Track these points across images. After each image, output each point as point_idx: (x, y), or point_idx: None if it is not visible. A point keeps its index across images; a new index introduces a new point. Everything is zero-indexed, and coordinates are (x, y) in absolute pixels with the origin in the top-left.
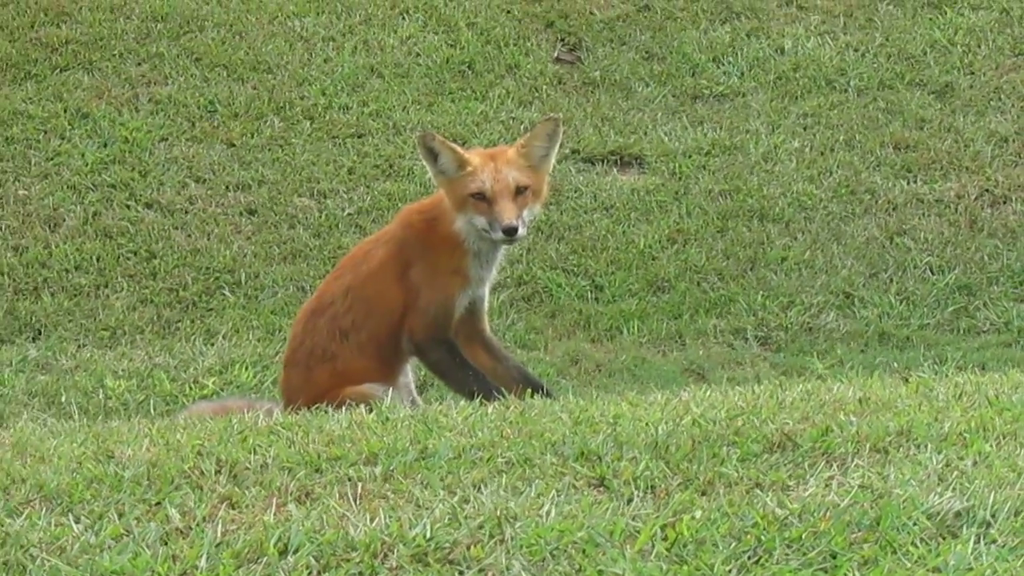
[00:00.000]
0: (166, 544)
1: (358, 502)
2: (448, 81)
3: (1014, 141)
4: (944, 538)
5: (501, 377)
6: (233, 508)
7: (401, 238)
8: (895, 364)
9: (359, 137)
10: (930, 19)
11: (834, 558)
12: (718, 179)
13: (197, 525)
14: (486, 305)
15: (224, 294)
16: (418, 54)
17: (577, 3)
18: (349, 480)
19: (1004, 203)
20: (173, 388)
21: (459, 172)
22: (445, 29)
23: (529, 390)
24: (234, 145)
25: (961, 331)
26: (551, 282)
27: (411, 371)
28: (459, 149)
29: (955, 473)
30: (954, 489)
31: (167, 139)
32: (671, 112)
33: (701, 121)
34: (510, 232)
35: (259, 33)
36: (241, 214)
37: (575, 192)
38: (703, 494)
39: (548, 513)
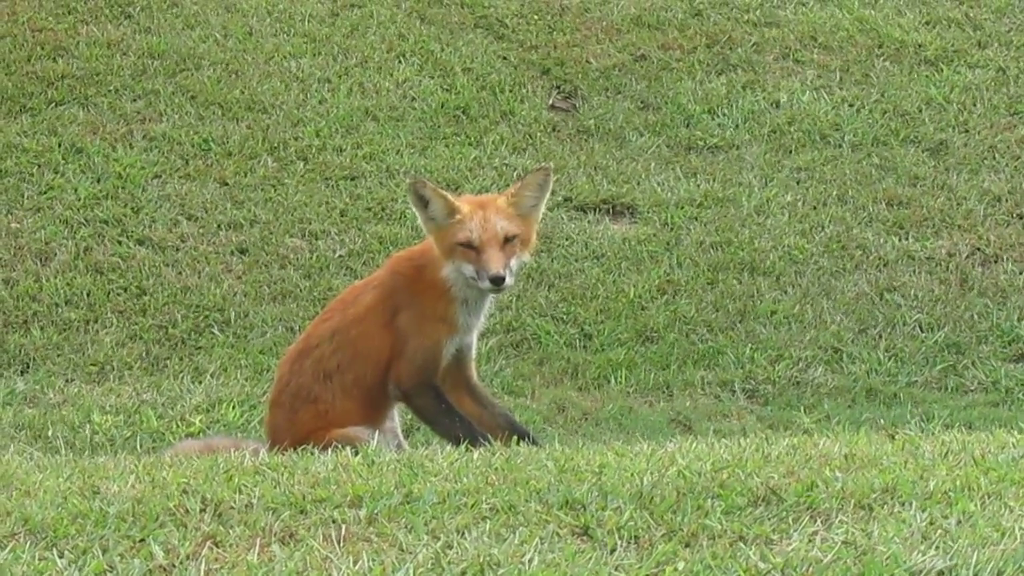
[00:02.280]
0: None
1: (342, 544)
2: (442, 126)
3: (1007, 200)
4: None
5: (487, 424)
6: (217, 547)
7: (390, 284)
8: (882, 421)
9: (352, 179)
10: (926, 76)
11: None
12: (710, 231)
13: (180, 563)
14: (474, 352)
15: (213, 332)
16: (413, 98)
17: (573, 51)
18: (333, 522)
19: (995, 262)
20: (160, 425)
21: (448, 220)
22: (441, 74)
23: (515, 437)
24: (227, 184)
25: (949, 389)
26: (540, 329)
27: (397, 415)
28: (449, 196)
29: (939, 531)
30: (937, 547)
31: (160, 176)
32: (664, 162)
33: (694, 172)
34: (497, 282)
35: (255, 73)
36: (232, 253)
37: (566, 240)
38: (687, 546)
39: (531, 561)
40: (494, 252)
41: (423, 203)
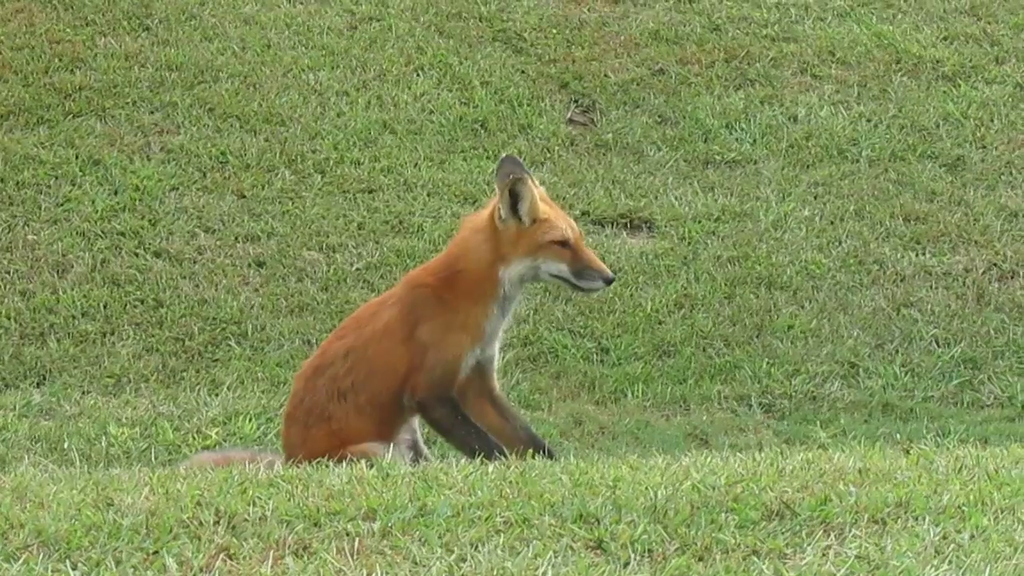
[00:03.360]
0: None
1: (355, 557)
2: (460, 139)
3: None
4: None
5: (508, 437)
6: (231, 559)
7: (409, 299)
8: (898, 435)
9: (370, 192)
10: (944, 92)
11: None
12: (727, 245)
13: (194, 575)
14: (496, 364)
15: (230, 345)
16: (431, 111)
17: (592, 65)
18: (347, 535)
19: (1012, 278)
20: (176, 438)
21: (532, 219)
22: (459, 87)
23: (531, 451)
24: (244, 196)
25: (965, 404)
26: (557, 343)
27: (418, 426)
28: (539, 199)
29: (952, 546)
30: (950, 562)
31: (178, 188)
32: (682, 177)
33: (712, 187)
34: (611, 281)
35: (273, 85)
36: (249, 265)
37: None
38: (700, 560)
39: (545, 574)
40: (591, 252)
41: (516, 200)
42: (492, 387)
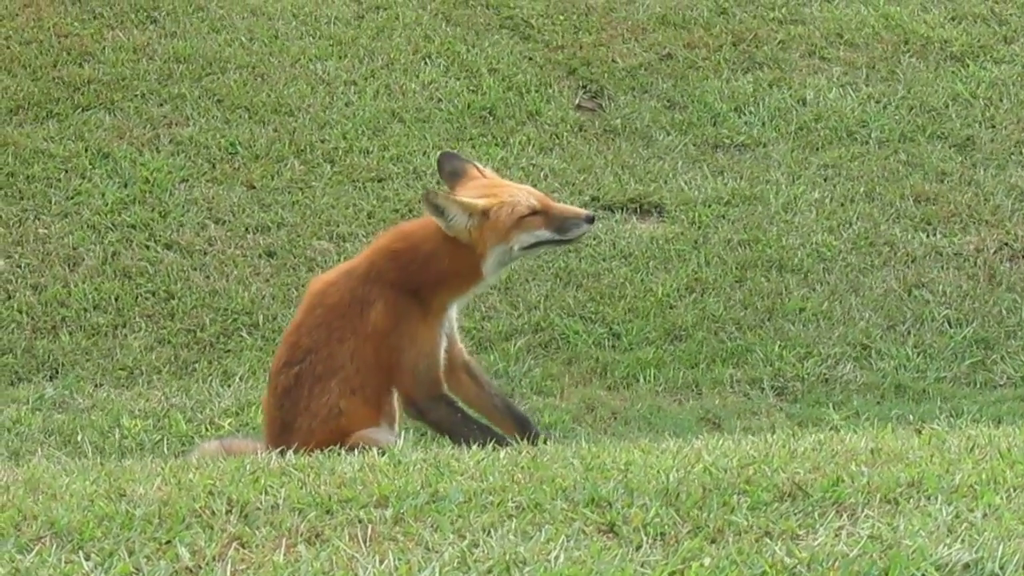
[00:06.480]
0: None
1: (368, 544)
2: (469, 127)
3: None
4: None
5: (485, 406)
6: (243, 548)
7: (392, 300)
8: (911, 417)
9: (379, 181)
10: (952, 72)
11: None
12: (737, 229)
13: (207, 564)
14: (456, 326)
15: (242, 336)
16: (439, 99)
17: (599, 51)
18: (359, 522)
19: (1023, 257)
20: (189, 429)
21: (479, 215)
22: (467, 75)
23: (511, 422)
24: (254, 187)
25: (978, 385)
26: (568, 329)
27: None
28: (464, 199)
29: (964, 525)
30: (963, 541)
31: (187, 180)
32: (691, 161)
33: (721, 170)
34: (593, 219)
35: (281, 76)
36: (260, 256)
37: (594, 240)
38: (712, 542)
39: (557, 559)
40: (560, 204)
41: (442, 212)
42: (460, 351)
